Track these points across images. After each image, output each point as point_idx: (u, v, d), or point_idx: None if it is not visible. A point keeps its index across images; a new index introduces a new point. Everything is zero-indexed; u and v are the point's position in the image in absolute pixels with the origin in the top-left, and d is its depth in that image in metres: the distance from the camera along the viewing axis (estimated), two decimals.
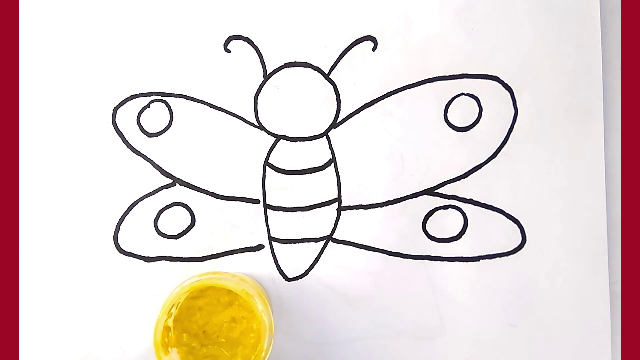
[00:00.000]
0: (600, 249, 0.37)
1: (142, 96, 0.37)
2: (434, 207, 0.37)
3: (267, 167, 0.37)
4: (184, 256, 0.37)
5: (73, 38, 0.36)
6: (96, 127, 0.36)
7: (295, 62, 0.37)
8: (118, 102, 0.36)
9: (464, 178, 0.37)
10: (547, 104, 0.37)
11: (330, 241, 0.37)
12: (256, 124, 0.37)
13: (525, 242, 0.37)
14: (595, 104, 0.37)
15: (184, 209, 0.37)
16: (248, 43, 0.37)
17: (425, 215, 0.37)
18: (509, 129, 0.37)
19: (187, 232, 0.37)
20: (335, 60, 0.37)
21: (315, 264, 0.37)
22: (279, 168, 0.37)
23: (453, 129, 0.37)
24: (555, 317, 0.37)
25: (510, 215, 0.37)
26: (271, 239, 0.37)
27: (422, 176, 0.37)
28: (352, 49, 0.37)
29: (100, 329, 0.36)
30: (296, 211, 0.37)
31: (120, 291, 0.37)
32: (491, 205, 0.37)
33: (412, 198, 0.37)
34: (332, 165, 0.37)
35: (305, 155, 0.37)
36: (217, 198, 0.37)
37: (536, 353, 0.37)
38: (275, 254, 0.37)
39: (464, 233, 0.37)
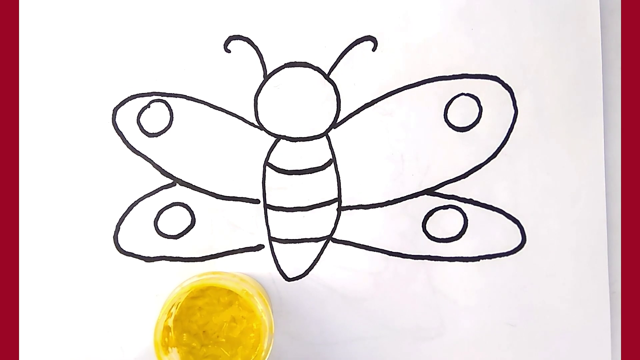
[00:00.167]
0: (600, 249, 0.37)
1: (142, 96, 0.37)
2: (434, 207, 0.37)
3: (267, 167, 0.37)
4: (184, 256, 0.37)
5: (73, 38, 0.36)
6: (96, 127, 0.36)
7: (295, 62, 0.37)
8: (118, 102, 0.36)
9: (464, 178, 0.37)
10: (547, 104, 0.37)
11: (330, 241, 0.37)
12: (256, 124, 0.37)
13: (525, 242, 0.37)
14: (595, 104, 0.37)
15: (184, 209, 0.37)
16: (248, 43, 0.37)
17: (425, 215, 0.37)
18: (509, 129, 0.37)
19: (187, 232, 0.37)
20: (335, 60, 0.37)
21: (315, 264, 0.37)
22: (279, 168, 0.37)
23: (453, 129, 0.37)
24: (555, 317, 0.37)
25: (510, 215, 0.37)
26: (271, 239, 0.37)
27: (422, 176, 0.37)
28: (352, 49, 0.37)
29: (100, 329, 0.36)
30: (296, 211, 0.37)
31: (120, 291, 0.37)
32: (491, 205, 0.37)
33: (412, 198, 0.37)
34: (332, 165, 0.37)
35: (305, 155, 0.37)
36: (217, 198, 0.37)
37: (536, 353, 0.37)
38: (275, 254, 0.37)
39: (464, 233, 0.37)
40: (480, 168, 0.37)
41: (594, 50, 0.37)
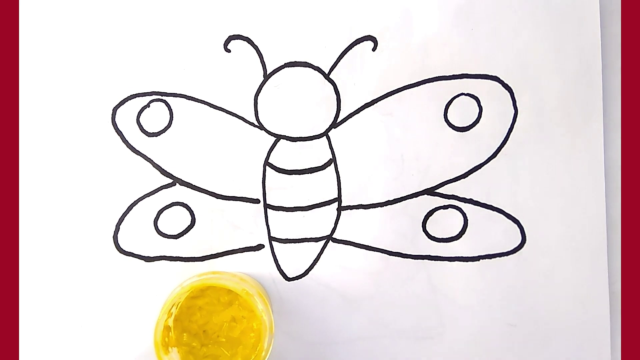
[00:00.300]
0: (599, 249, 0.37)
1: (142, 96, 0.37)
2: (434, 207, 0.37)
3: (267, 167, 0.37)
4: (184, 256, 0.37)
5: (73, 38, 0.36)
6: (96, 127, 0.36)
7: (295, 62, 0.37)
8: (118, 102, 0.36)
9: (464, 178, 0.37)
10: (547, 104, 0.37)
11: (330, 241, 0.37)
12: (256, 123, 0.37)
13: (525, 242, 0.37)
14: (595, 104, 0.37)
15: (184, 209, 0.37)
16: (248, 43, 0.37)
17: (425, 215, 0.37)
18: (509, 129, 0.37)
19: (187, 232, 0.37)
20: (335, 60, 0.37)
21: (315, 264, 0.37)
22: (279, 168, 0.37)
23: (453, 129, 0.37)
24: (555, 317, 0.37)
25: (510, 215, 0.37)
26: (271, 239, 0.37)
27: (422, 176, 0.37)
28: (352, 49, 0.37)
29: (100, 329, 0.36)
30: (296, 211, 0.37)
31: (120, 291, 0.36)
32: (491, 205, 0.37)
33: (412, 198, 0.37)
34: (332, 165, 0.37)
35: (305, 155, 0.37)
36: (217, 198, 0.37)
37: (536, 353, 0.37)
38: (275, 253, 0.37)
39: (464, 233, 0.37)
40: (480, 168, 0.37)
41: (594, 50, 0.37)
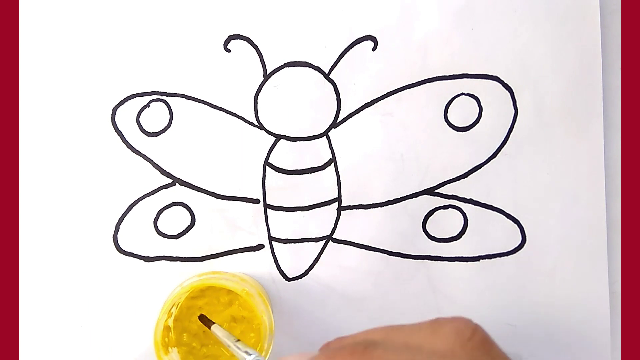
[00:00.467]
0: (600, 249, 0.37)
1: (142, 96, 0.37)
2: (434, 207, 0.37)
3: (267, 167, 0.37)
4: (184, 256, 0.37)
5: (73, 38, 0.36)
6: (96, 127, 0.36)
7: (295, 61, 0.37)
8: (118, 102, 0.36)
9: (464, 178, 0.37)
10: (547, 104, 0.37)
11: (330, 241, 0.37)
12: (256, 123, 0.37)
13: (525, 242, 0.37)
14: (595, 104, 0.37)
15: (184, 209, 0.37)
16: (248, 43, 0.36)
17: (426, 215, 0.37)
18: (509, 129, 0.37)
19: (187, 232, 0.37)
20: (335, 60, 0.37)
21: (315, 264, 0.37)
22: (279, 168, 0.37)
23: (453, 129, 0.37)
24: (555, 317, 0.37)
25: (510, 215, 0.37)
26: (271, 239, 0.37)
27: (422, 176, 0.37)
28: (352, 49, 0.37)
29: (101, 329, 0.36)
30: (296, 211, 0.37)
31: (120, 291, 0.36)
32: (491, 205, 0.37)
33: (412, 198, 0.37)
34: (332, 165, 0.37)
35: (305, 155, 0.37)
36: (217, 198, 0.37)
37: (536, 353, 0.37)
38: (275, 254, 0.37)
39: (464, 233, 0.37)
40: (480, 168, 0.37)
41: (594, 50, 0.37)
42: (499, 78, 0.37)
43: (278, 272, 0.37)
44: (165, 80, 0.36)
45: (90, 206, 0.36)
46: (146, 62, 0.36)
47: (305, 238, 0.37)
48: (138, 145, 0.37)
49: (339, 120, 0.37)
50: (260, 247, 0.37)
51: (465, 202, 0.37)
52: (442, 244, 0.37)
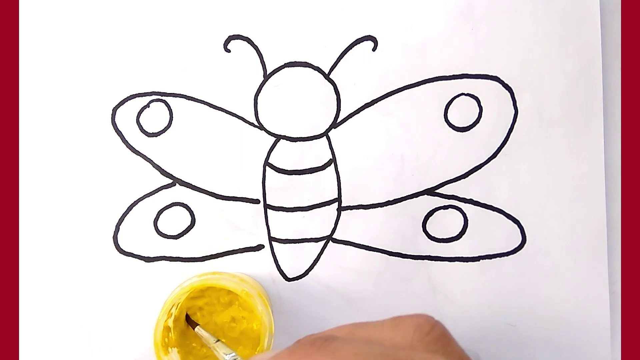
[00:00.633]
0: (599, 249, 0.37)
1: (142, 96, 0.37)
2: (434, 207, 0.37)
3: (267, 167, 0.37)
4: (184, 256, 0.37)
5: (73, 38, 0.36)
6: (96, 127, 0.36)
7: (295, 62, 0.37)
8: (117, 102, 0.36)
9: (464, 178, 0.37)
10: (547, 104, 0.37)
11: (330, 241, 0.37)
12: (256, 124, 0.37)
13: (525, 242, 0.37)
14: (595, 104, 0.37)
15: (184, 209, 0.37)
16: (248, 43, 0.36)
17: (426, 215, 0.37)
18: (509, 129, 0.37)
19: (187, 232, 0.37)
20: (335, 60, 0.37)
21: (315, 264, 0.37)
22: (279, 168, 0.37)
23: (453, 129, 0.37)
24: (555, 317, 0.37)
25: (510, 215, 0.37)
26: (271, 239, 0.37)
27: (422, 176, 0.37)
28: (352, 49, 0.37)
29: (100, 329, 0.36)
30: (296, 211, 0.37)
31: (120, 291, 0.36)
32: (491, 205, 0.37)
33: (412, 198, 0.37)
34: (332, 165, 0.37)
35: (305, 155, 0.37)
36: (217, 198, 0.37)
37: (536, 353, 0.37)
38: (275, 254, 0.37)
39: (464, 233, 0.37)
40: (480, 168, 0.37)
41: (594, 50, 0.37)
42: (499, 78, 0.37)
43: (278, 272, 0.37)
44: (165, 81, 0.36)
45: (91, 206, 0.36)
46: (146, 62, 0.36)
47: (305, 238, 0.37)
48: (138, 146, 0.37)
49: (339, 120, 0.37)
50: (260, 247, 0.37)
51: (465, 202, 0.37)
52: (442, 244, 0.37)
